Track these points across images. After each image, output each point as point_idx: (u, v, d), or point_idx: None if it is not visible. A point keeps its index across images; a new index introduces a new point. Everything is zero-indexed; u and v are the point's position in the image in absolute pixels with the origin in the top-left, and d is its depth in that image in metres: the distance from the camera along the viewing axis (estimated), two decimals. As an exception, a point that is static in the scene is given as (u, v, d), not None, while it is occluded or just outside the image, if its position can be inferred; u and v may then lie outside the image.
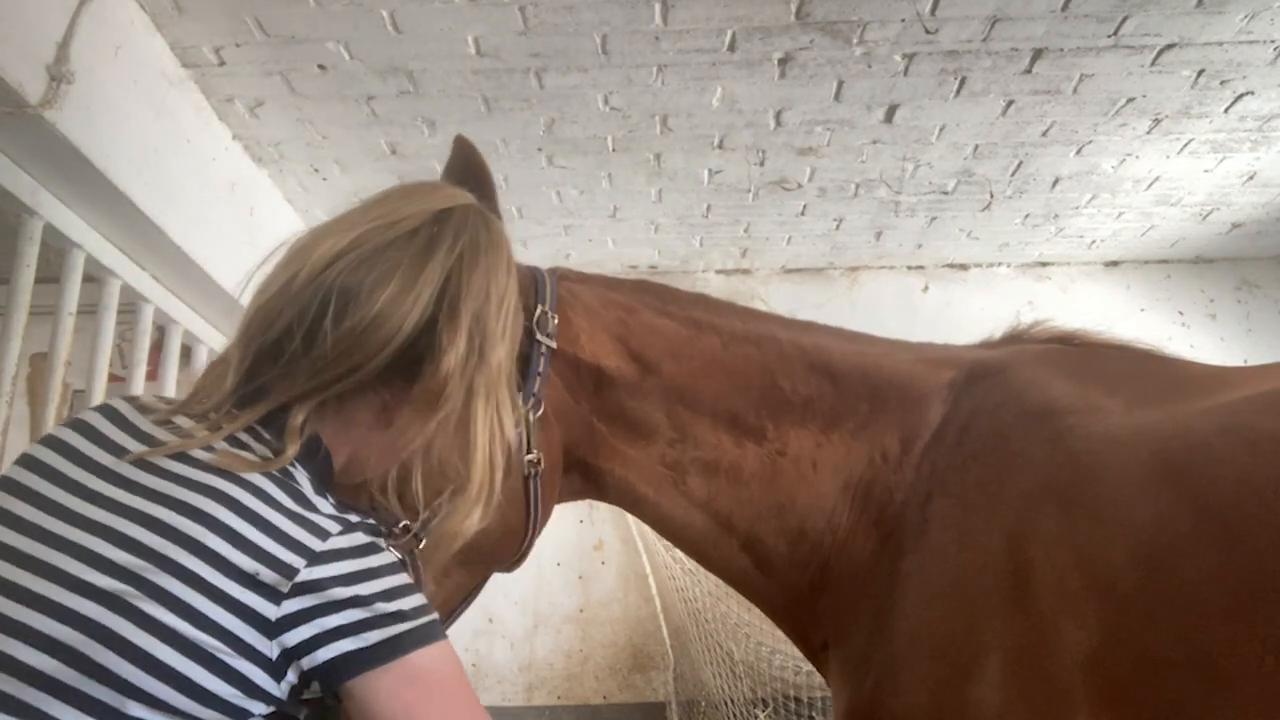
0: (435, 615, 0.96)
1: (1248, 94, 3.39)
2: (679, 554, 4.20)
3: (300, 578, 0.88)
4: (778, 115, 3.49)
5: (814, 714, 3.81)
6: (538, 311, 1.41)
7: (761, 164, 3.85)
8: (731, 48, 3.05)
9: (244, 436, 0.97)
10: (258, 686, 0.88)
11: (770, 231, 4.54)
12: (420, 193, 1.11)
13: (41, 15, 2.36)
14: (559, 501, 1.53)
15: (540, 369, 1.39)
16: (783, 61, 3.14)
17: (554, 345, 1.41)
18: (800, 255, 4.84)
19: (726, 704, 3.94)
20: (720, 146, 3.70)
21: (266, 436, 0.98)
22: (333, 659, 0.88)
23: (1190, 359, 1.46)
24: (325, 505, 0.96)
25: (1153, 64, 3.19)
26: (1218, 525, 1.01)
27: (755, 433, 1.46)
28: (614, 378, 1.46)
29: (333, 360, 0.98)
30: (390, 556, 0.97)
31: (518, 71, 3.16)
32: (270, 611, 0.87)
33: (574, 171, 3.86)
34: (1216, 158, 3.88)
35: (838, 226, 4.50)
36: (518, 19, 2.87)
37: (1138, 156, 3.85)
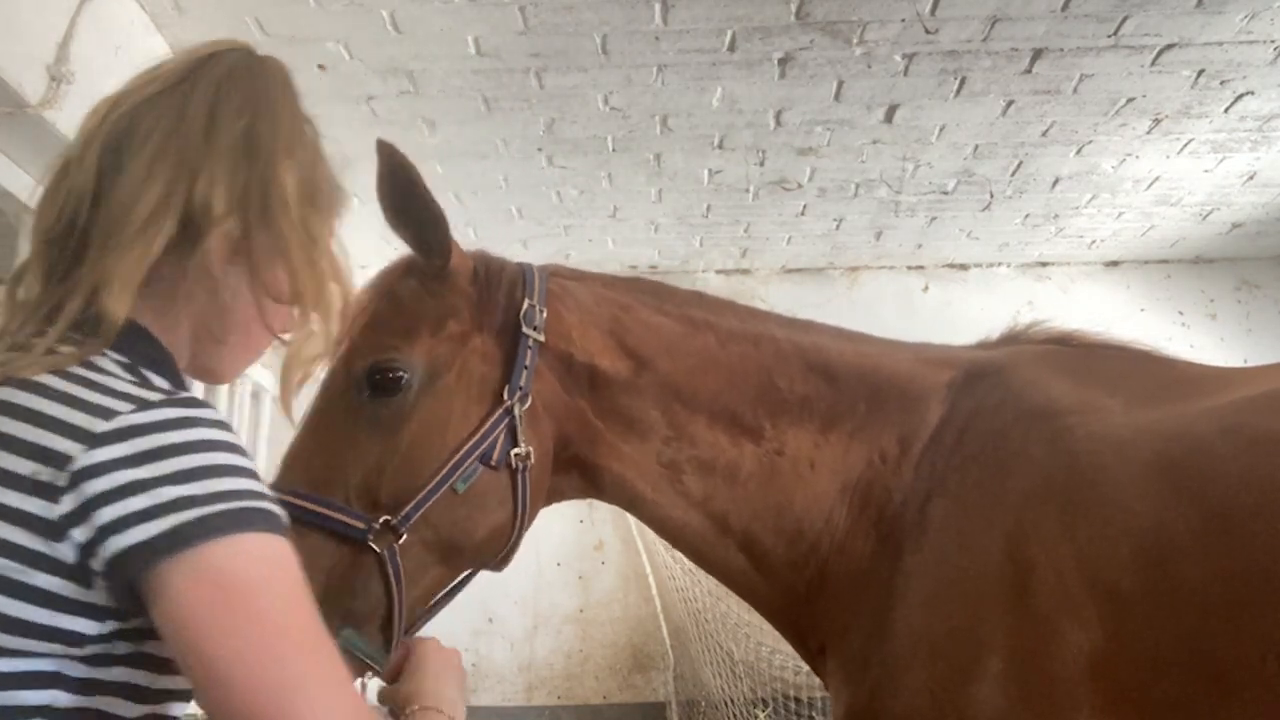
0: (252, 503, 0.80)
1: (1248, 94, 3.39)
2: (679, 554, 4.19)
3: (77, 465, 0.76)
4: (778, 115, 3.48)
5: (814, 714, 3.81)
6: (525, 305, 1.40)
7: (761, 164, 3.85)
8: (731, 48, 3.05)
9: (63, 348, 0.86)
10: (69, 599, 0.77)
11: (770, 231, 4.54)
12: (187, 51, 1.05)
13: (41, 15, 2.36)
14: (560, 499, 1.52)
15: (528, 362, 1.37)
16: (783, 61, 3.14)
17: (542, 339, 1.40)
18: (800, 255, 4.84)
19: (726, 704, 3.94)
20: (720, 146, 3.70)
21: (80, 338, 0.87)
22: (115, 554, 0.75)
23: (1189, 359, 1.46)
24: (126, 384, 0.83)
25: (1153, 64, 3.19)
26: (1219, 526, 1.01)
27: (752, 432, 1.46)
28: (608, 374, 1.44)
29: (121, 222, 0.88)
30: (210, 432, 0.82)
31: (518, 71, 3.15)
32: (50, 511, 0.76)
33: (574, 171, 3.86)
34: (1216, 158, 3.88)
35: (838, 226, 4.50)
36: (518, 19, 2.87)
37: (1138, 156, 3.85)
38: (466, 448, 1.30)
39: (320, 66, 3.09)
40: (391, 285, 1.45)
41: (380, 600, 1.24)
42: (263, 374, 4.22)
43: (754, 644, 3.88)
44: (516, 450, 1.33)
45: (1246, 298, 4.96)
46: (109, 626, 0.80)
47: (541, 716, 4.38)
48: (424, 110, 3.38)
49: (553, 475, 1.46)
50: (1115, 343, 1.47)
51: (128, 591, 0.77)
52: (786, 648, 3.83)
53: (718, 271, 4.95)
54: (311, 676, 0.78)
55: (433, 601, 1.39)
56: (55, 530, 0.76)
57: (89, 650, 0.80)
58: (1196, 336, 4.81)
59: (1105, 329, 1.51)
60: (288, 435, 1.35)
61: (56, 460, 0.77)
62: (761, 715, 3.90)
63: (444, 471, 1.28)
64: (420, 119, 3.43)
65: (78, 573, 0.77)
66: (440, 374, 1.35)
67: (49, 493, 0.77)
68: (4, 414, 0.80)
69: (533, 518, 1.41)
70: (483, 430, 1.32)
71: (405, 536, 1.25)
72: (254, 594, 0.78)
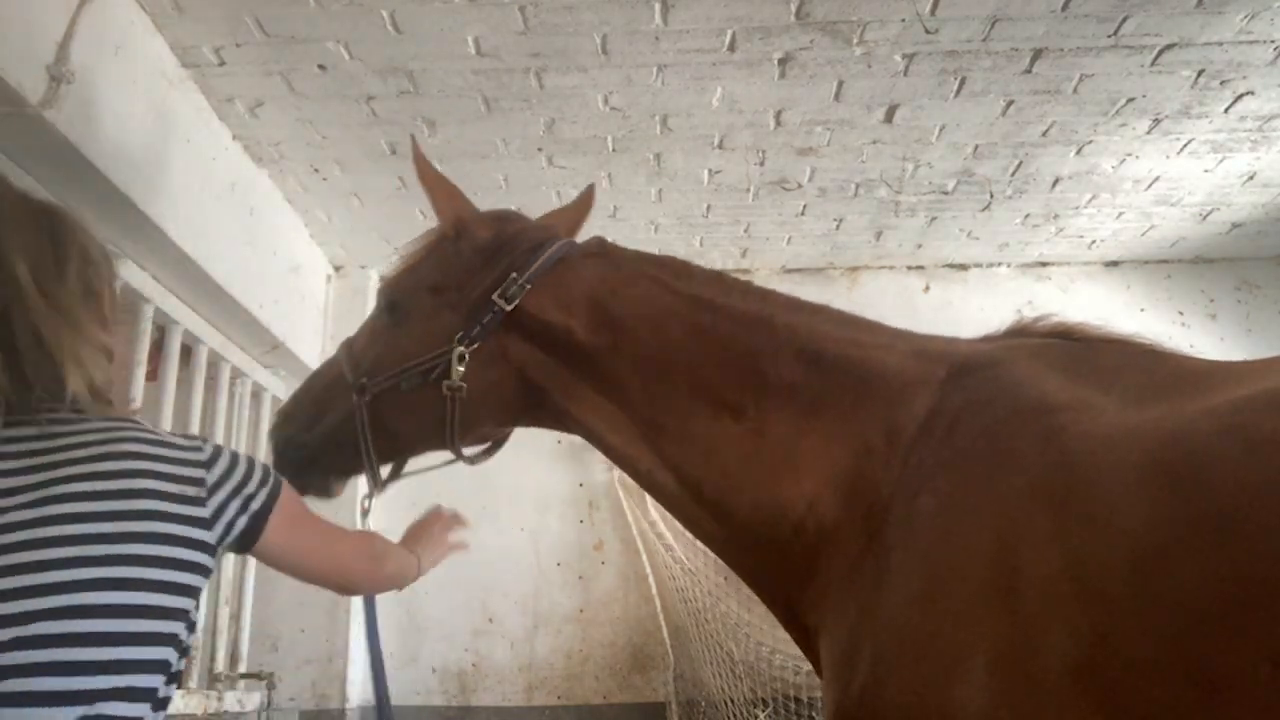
0: (274, 470, 1.43)
1: (1248, 94, 3.39)
2: (679, 554, 4.20)
3: (208, 481, 1.32)
4: (778, 115, 3.48)
5: (814, 714, 3.81)
6: (510, 278, 1.67)
7: (761, 164, 3.85)
8: (731, 48, 3.05)
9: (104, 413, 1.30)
10: (204, 569, 1.26)
11: (770, 231, 4.54)
12: None
13: (41, 15, 2.36)
14: (538, 426, 1.81)
15: (484, 320, 1.67)
16: (783, 61, 3.14)
17: (508, 307, 1.66)
18: (800, 255, 4.84)
19: (726, 704, 3.94)
20: (720, 146, 3.70)
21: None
22: (247, 525, 1.33)
23: (1189, 354, 1.43)
24: (161, 432, 1.34)
25: (1153, 64, 3.19)
26: (1214, 529, 0.98)
27: (734, 409, 1.51)
28: (587, 341, 1.63)
29: None
30: (231, 447, 1.52)
31: (518, 71, 3.16)
32: (201, 511, 1.28)
33: (574, 171, 3.86)
34: (1216, 158, 3.88)
35: (838, 226, 4.50)
36: (518, 19, 2.87)
37: (1138, 156, 3.85)
38: (413, 363, 1.71)
39: (320, 66, 3.09)
40: (433, 239, 1.88)
41: (351, 427, 1.77)
42: (263, 374, 4.22)
43: (754, 644, 3.88)
44: (448, 381, 1.65)
45: (1246, 298, 4.96)
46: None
47: (541, 716, 4.38)
48: (424, 110, 3.38)
49: (524, 412, 1.77)
50: (1117, 337, 1.44)
51: (241, 545, 1.31)
52: (787, 648, 3.84)
53: (718, 271, 4.94)
54: (335, 534, 1.53)
55: (406, 460, 1.88)
56: (206, 523, 1.23)
57: (191, 619, 1.22)
58: (1196, 336, 4.80)
59: (1108, 323, 1.49)
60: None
61: (196, 480, 1.25)
62: (761, 715, 3.90)
63: (396, 370, 1.73)
64: (420, 119, 3.43)
65: (211, 550, 1.24)
66: (424, 312, 1.76)
67: (198, 502, 1.24)
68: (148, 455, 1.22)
69: (471, 433, 1.76)
70: (428, 356, 1.70)
71: (369, 398, 1.74)
72: (304, 513, 1.45)
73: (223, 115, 3.38)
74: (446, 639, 4.47)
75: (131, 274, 3.19)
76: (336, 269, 4.76)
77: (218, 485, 1.26)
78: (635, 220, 4.37)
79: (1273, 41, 3.07)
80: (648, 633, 4.46)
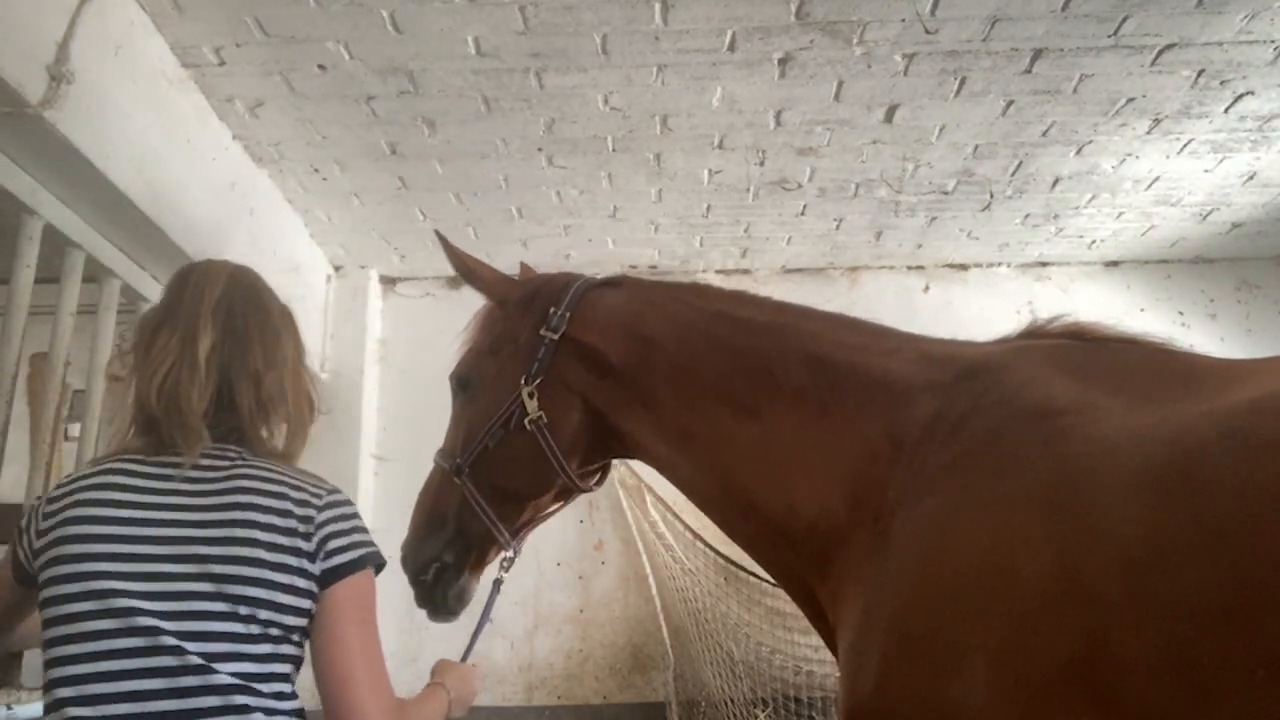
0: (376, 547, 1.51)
1: (1248, 94, 3.39)
2: (679, 554, 4.20)
3: (316, 520, 1.46)
4: (778, 115, 3.48)
5: (814, 714, 3.81)
6: (550, 312, 1.80)
7: (761, 164, 3.85)
8: (731, 48, 3.05)
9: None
10: (309, 591, 1.41)
11: (770, 231, 4.54)
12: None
13: (41, 15, 2.36)
14: (612, 456, 1.90)
15: (540, 355, 1.78)
16: (783, 61, 3.14)
17: (556, 336, 1.78)
18: (800, 255, 4.84)
19: (726, 704, 3.94)
20: (720, 146, 3.70)
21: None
22: (332, 566, 1.44)
23: (1200, 353, 1.41)
24: (300, 476, 1.53)
25: (1153, 64, 3.19)
26: (1211, 533, 0.98)
27: (750, 411, 1.60)
28: (623, 359, 1.74)
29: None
30: (354, 505, 1.52)
31: (518, 71, 3.16)
32: (308, 544, 1.44)
33: (574, 171, 3.86)
34: (1216, 158, 3.88)
35: (838, 226, 4.50)
36: (518, 19, 2.87)
37: (1138, 156, 3.85)
38: (495, 418, 1.80)
39: (320, 66, 3.09)
40: (486, 310, 2.00)
41: (470, 509, 1.83)
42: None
43: (754, 644, 3.88)
44: (528, 418, 1.76)
45: (1246, 298, 4.96)
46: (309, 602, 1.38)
47: (541, 716, 4.38)
48: (424, 110, 3.38)
49: (597, 439, 1.82)
50: (1129, 336, 1.43)
51: (326, 579, 1.37)
52: (787, 648, 3.84)
53: (717, 271, 4.95)
54: (379, 661, 1.40)
55: (536, 517, 1.92)
56: (310, 555, 1.37)
57: (306, 624, 1.37)
58: (1196, 336, 4.80)
59: (1119, 321, 1.48)
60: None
61: (307, 519, 1.39)
62: (761, 715, 3.90)
63: (479, 435, 1.81)
64: (420, 119, 3.43)
65: (313, 578, 1.37)
66: (490, 375, 1.87)
67: (305, 536, 1.38)
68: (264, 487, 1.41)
69: (573, 458, 1.81)
70: (504, 406, 1.79)
71: (466, 474, 1.82)
72: (373, 615, 1.43)
73: (223, 115, 3.38)
74: (446, 639, 4.43)
75: (131, 274, 3.19)
76: (336, 269, 4.76)
77: (324, 524, 1.40)
78: (635, 220, 4.37)
79: (1273, 41, 3.07)
80: (648, 633, 4.46)
